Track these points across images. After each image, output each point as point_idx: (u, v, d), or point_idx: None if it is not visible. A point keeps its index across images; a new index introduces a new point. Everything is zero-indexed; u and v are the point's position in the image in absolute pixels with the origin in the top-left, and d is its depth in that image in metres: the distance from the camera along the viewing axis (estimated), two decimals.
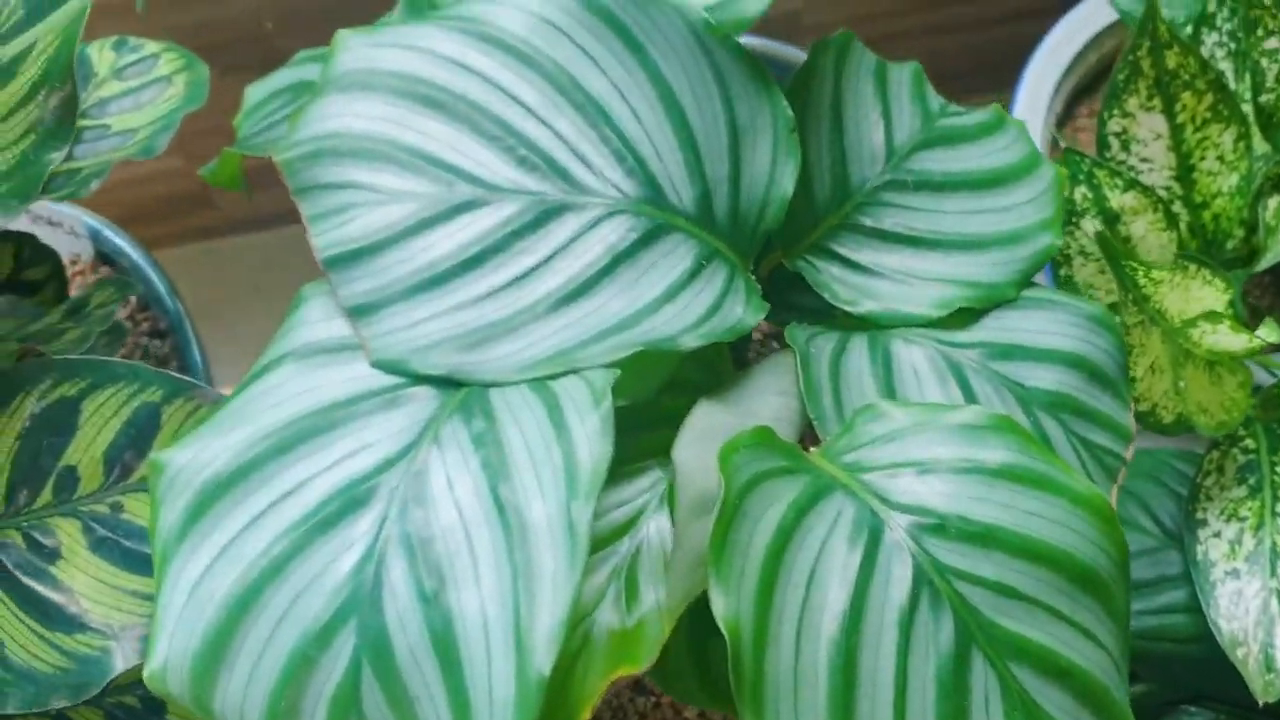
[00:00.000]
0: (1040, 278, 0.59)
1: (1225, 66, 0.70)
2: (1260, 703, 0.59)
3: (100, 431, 0.49)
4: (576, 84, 0.49)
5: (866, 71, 0.59)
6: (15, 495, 0.48)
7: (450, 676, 0.40)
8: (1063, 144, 0.69)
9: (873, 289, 0.56)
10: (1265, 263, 0.66)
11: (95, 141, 0.59)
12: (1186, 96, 0.66)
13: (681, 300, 0.49)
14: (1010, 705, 0.45)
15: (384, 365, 0.45)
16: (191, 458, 0.43)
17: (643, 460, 0.52)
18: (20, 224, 0.79)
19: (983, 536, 0.46)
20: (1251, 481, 0.63)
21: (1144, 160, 0.68)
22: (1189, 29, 0.75)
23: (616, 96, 0.50)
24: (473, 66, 0.48)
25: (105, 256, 0.79)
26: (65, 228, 0.78)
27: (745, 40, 0.70)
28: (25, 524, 0.48)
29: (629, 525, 0.50)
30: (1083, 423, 0.54)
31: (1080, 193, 0.67)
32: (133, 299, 0.79)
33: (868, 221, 0.57)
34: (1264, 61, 0.67)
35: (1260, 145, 0.68)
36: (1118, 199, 0.66)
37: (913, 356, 0.54)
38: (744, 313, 0.50)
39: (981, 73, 1.06)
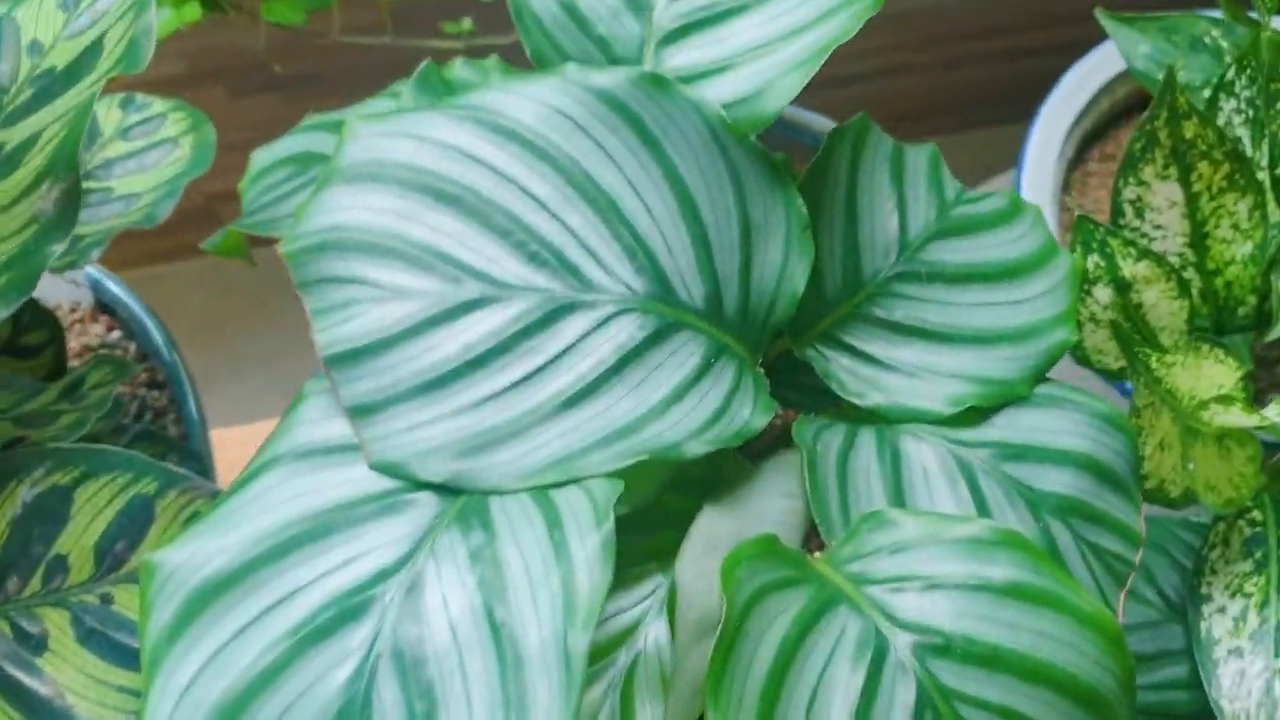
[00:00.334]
0: None
1: (1242, 133, 0.70)
2: None
3: (93, 521, 0.49)
4: (589, 178, 0.48)
5: (883, 158, 0.58)
6: (4, 583, 0.47)
7: None
8: (1074, 209, 0.68)
9: (882, 382, 0.55)
10: (1277, 331, 0.65)
11: (99, 206, 0.58)
12: (1203, 166, 0.65)
13: (689, 401, 0.48)
14: None
15: (383, 468, 0.44)
16: (185, 559, 0.42)
17: (643, 564, 0.50)
18: None
19: (988, 658, 0.45)
20: (1258, 555, 0.62)
21: (1158, 227, 0.67)
22: (1206, 93, 0.74)
23: (629, 191, 0.49)
24: (484, 159, 0.47)
25: (105, 305, 0.79)
26: (66, 276, 0.77)
27: None
28: (13, 612, 0.47)
29: (626, 635, 0.49)
30: (1093, 528, 0.54)
31: (1093, 260, 0.66)
32: (131, 346, 0.79)
33: (879, 312, 0.56)
34: None
35: (1275, 213, 0.68)
36: (1130, 268, 0.65)
37: (923, 455, 0.53)
38: (751, 415, 0.49)
39: (989, 105, 1.06)
